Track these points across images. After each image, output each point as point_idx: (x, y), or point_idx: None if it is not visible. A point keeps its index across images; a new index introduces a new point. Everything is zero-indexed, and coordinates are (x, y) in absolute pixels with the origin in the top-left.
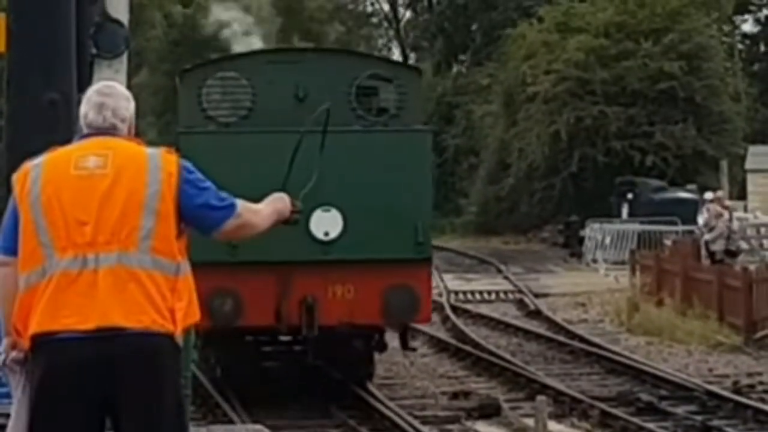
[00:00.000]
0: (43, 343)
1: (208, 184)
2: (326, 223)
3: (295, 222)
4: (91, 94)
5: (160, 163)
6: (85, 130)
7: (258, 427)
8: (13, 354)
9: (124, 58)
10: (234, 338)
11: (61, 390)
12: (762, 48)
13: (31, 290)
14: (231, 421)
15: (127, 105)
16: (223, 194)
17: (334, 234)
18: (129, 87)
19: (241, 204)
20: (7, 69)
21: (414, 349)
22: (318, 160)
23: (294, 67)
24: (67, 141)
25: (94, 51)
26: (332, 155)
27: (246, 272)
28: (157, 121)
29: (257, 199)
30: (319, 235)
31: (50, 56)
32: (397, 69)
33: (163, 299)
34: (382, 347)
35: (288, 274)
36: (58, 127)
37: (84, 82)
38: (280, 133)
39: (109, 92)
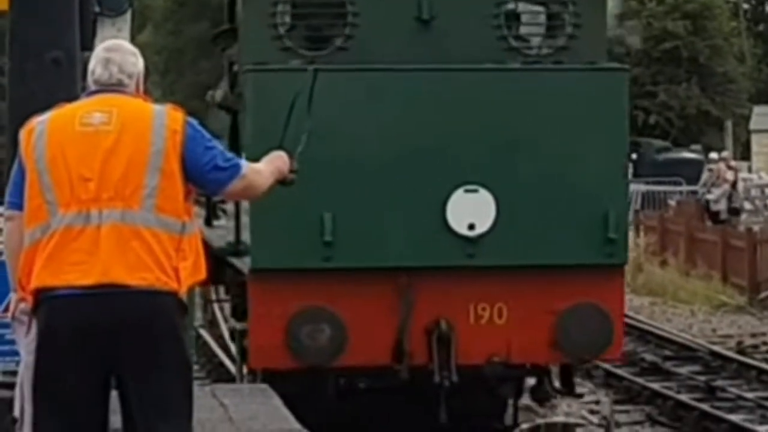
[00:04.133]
0: (45, 299)
1: (214, 143)
2: (471, 211)
3: (291, 183)
4: (98, 51)
5: (165, 121)
6: (92, 87)
7: (263, 386)
8: (22, 306)
9: (128, 16)
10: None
11: (63, 348)
12: (767, 8)
13: (34, 245)
14: (235, 380)
15: (134, 61)
16: (229, 154)
17: (482, 227)
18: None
19: (246, 165)
20: (10, 27)
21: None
22: (308, 121)
23: None
24: (70, 99)
25: (97, 9)
26: (475, 107)
27: (348, 284)
28: (161, 81)
29: (362, 166)
30: (461, 229)
31: (53, 14)
32: None
33: (167, 258)
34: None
35: (411, 286)
36: (61, 85)
37: (87, 41)
38: (396, 71)
39: (116, 48)
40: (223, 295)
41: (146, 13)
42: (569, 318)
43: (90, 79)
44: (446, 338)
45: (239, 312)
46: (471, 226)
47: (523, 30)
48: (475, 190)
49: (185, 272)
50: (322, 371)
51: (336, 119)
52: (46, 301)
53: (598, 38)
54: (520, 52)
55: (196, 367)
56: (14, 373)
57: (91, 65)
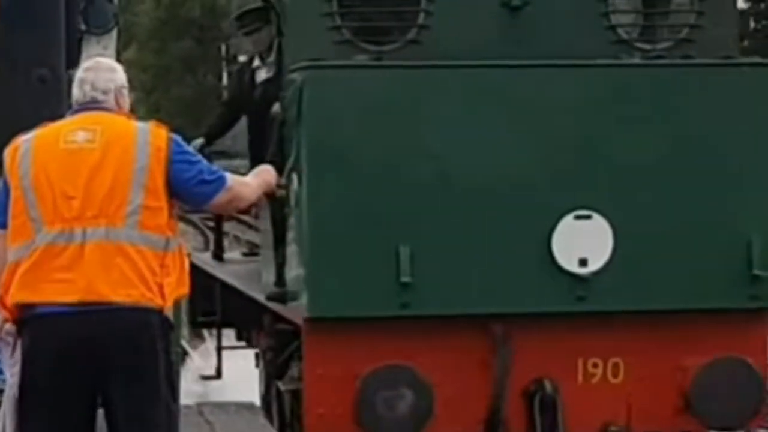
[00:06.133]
0: (29, 317)
1: (198, 157)
2: (582, 242)
3: (280, 197)
4: (78, 71)
5: (149, 138)
6: (74, 106)
7: (249, 402)
8: (7, 326)
9: (114, 34)
10: None
11: (49, 366)
12: (752, 24)
13: (17, 263)
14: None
15: (110, 76)
16: (214, 167)
17: (596, 263)
18: (118, 63)
19: (230, 177)
20: None
21: None
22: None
23: None
24: (56, 117)
25: (83, 27)
26: (587, 112)
27: (430, 337)
28: (147, 98)
29: (446, 186)
30: (570, 266)
31: (39, 32)
32: None
33: (152, 274)
34: None
35: (508, 338)
36: (48, 103)
37: (73, 59)
38: (485, 69)
39: (91, 67)
40: (232, 339)
41: (132, 30)
42: (706, 376)
43: (72, 99)
44: (551, 402)
45: (277, 367)
46: (582, 262)
47: (636, 19)
48: (588, 217)
49: (169, 288)
50: None
51: (411, 128)
52: (30, 320)
53: (726, 29)
54: (632, 46)
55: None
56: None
57: (72, 85)
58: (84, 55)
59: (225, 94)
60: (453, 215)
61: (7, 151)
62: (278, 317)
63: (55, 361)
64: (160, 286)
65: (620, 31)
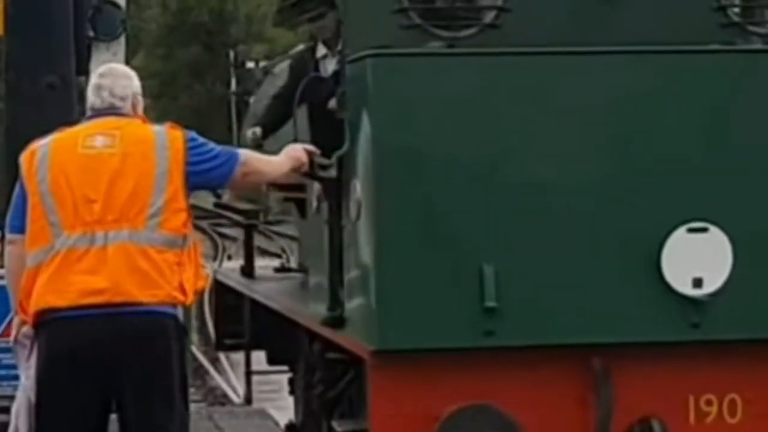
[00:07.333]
0: (50, 320)
1: (212, 146)
2: (697, 260)
3: (331, 179)
4: (93, 77)
5: (167, 142)
6: (89, 112)
7: (259, 408)
8: (24, 329)
9: (122, 40)
10: None
11: (70, 367)
12: None
13: (36, 267)
14: (231, 403)
15: (126, 83)
16: (227, 147)
17: (714, 283)
18: None
19: (244, 152)
20: (6, 52)
21: None
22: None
23: None
24: (66, 123)
25: (91, 34)
26: (701, 107)
27: (520, 371)
28: (154, 104)
29: (536, 196)
30: (682, 287)
31: (48, 39)
32: None
33: (171, 273)
34: None
35: (609, 373)
36: (57, 109)
37: (82, 65)
38: (573, 55)
39: (106, 73)
40: (262, 363)
41: (140, 36)
42: None
43: (87, 105)
44: None
45: (328, 403)
46: (697, 283)
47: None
48: (704, 230)
49: (188, 283)
50: None
51: (495, 126)
52: (51, 322)
53: None
54: (745, 30)
55: (191, 389)
56: (11, 398)
57: (87, 92)
58: (94, 61)
59: (278, 86)
60: (545, 228)
61: (24, 157)
62: (330, 344)
63: (74, 363)
64: (180, 283)
65: (730, 12)
